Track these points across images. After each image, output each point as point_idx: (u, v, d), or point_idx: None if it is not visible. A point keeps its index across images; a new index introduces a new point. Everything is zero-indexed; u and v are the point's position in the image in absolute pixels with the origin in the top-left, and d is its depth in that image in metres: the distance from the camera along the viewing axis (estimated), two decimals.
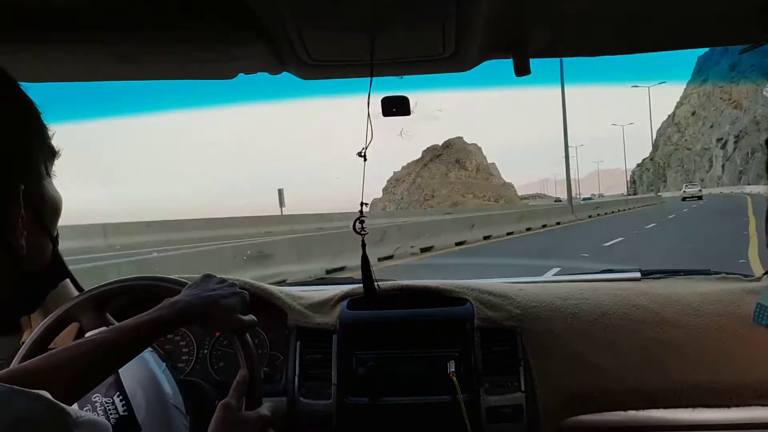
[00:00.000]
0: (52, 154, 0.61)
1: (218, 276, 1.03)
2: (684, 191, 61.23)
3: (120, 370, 0.99)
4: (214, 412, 0.98)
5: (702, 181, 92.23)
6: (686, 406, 1.35)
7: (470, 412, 1.33)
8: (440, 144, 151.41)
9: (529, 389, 1.36)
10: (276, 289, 1.54)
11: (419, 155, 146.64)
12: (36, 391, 0.47)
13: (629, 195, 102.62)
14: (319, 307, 1.52)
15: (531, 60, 1.15)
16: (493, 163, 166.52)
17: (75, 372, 0.84)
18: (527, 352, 1.39)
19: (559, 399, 1.37)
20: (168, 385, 1.07)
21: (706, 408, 1.35)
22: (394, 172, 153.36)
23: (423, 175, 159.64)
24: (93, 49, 1.01)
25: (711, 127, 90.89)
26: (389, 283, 1.58)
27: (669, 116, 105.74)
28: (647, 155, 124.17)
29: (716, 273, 1.72)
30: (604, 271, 1.87)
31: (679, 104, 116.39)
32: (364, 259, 1.33)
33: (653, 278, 1.73)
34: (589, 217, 29.19)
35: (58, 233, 0.67)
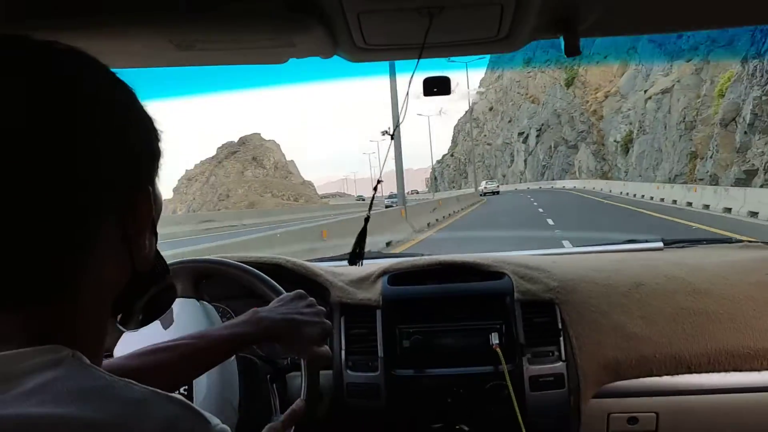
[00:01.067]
0: (160, 155, 0.62)
1: (310, 298, 1.02)
2: (485, 187, 62.10)
3: None
4: (266, 389, 1.07)
5: (504, 176, 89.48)
6: (719, 371, 1.39)
7: (513, 381, 1.38)
8: (236, 140, 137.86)
9: (570, 358, 1.41)
10: (316, 266, 1.58)
11: (214, 152, 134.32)
12: (173, 394, 0.48)
13: (412, 193, 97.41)
14: (360, 283, 1.56)
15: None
16: (291, 161, 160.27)
17: (171, 375, 0.86)
18: (566, 323, 1.43)
19: (598, 367, 1.41)
20: (230, 377, 1.08)
21: (738, 372, 1.39)
22: (186, 170, 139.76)
23: (218, 174, 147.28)
24: (153, 36, 1.02)
25: (510, 121, 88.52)
26: (426, 258, 1.62)
27: (466, 112, 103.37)
28: (446, 152, 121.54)
29: (738, 241, 1.80)
30: (628, 242, 1.91)
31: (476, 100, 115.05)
32: (362, 233, 1.37)
33: (676, 247, 1.81)
34: (429, 225, 18.85)
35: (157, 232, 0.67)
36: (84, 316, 0.53)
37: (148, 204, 0.57)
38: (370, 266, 1.60)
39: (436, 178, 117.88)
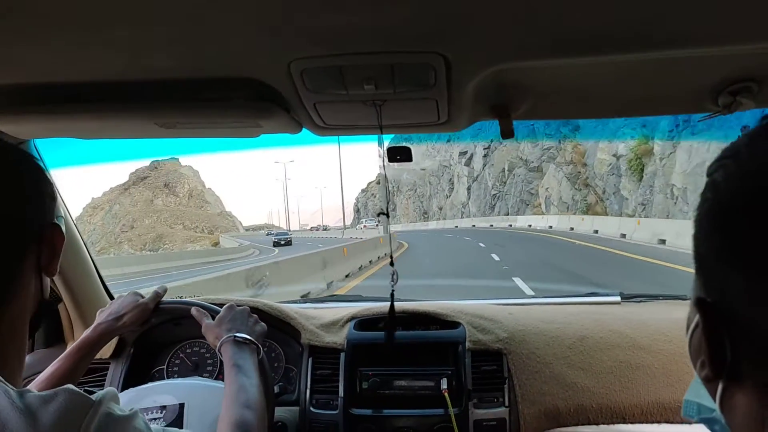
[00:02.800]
0: (56, 197, 0.82)
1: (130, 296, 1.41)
2: (365, 225, 55.65)
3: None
4: None
5: (441, 209, 69.51)
6: (652, 422, 1.49)
7: (459, 424, 1.51)
8: (147, 165, 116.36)
9: (512, 404, 1.52)
10: (291, 310, 1.73)
11: (126, 178, 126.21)
12: (58, 388, 0.65)
13: (314, 229, 77.69)
14: (329, 327, 1.71)
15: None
16: (210, 189, 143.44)
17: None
18: (512, 371, 1.55)
19: (539, 414, 1.51)
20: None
21: (670, 424, 1.48)
22: (93, 198, 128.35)
23: (122, 202, 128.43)
24: (140, 118, 1.24)
25: (448, 141, 68.40)
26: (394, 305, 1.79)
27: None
28: (374, 179, 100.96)
29: None
30: (589, 294, 2.03)
31: None
32: (392, 295, 1.49)
33: (634, 302, 1.93)
34: None
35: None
36: (6, 335, 0.69)
37: (61, 236, 0.77)
38: (341, 310, 1.78)
39: (358, 210, 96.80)
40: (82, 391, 0.65)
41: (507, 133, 1.29)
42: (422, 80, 1.08)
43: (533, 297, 2.04)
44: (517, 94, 1.23)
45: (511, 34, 0.93)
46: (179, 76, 1.09)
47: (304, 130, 1.37)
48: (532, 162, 48.29)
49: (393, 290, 1.45)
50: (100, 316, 1.34)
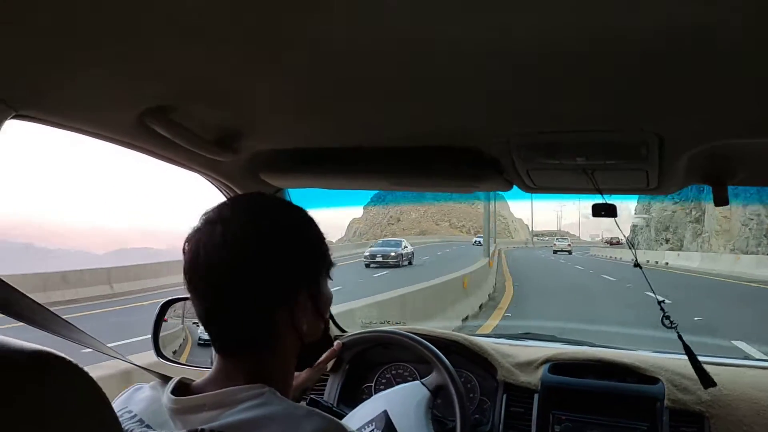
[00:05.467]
0: (331, 265, 0.93)
1: None
2: (555, 244, 47.95)
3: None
4: None
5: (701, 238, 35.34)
6: None
7: None
8: None
9: None
10: (488, 345, 1.83)
11: None
12: (325, 414, 0.79)
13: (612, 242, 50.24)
14: (524, 367, 1.76)
15: None
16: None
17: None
18: None
19: None
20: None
21: None
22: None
23: (395, 192, 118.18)
24: (375, 179, 1.48)
25: None
26: (588, 350, 1.84)
27: None
28: None
29: None
30: None
31: None
32: (687, 349, 1.47)
33: None
34: None
35: (330, 316, 1.42)
36: (278, 365, 0.86)
37: (304, 301, 0.87)
38: (535, 351, 1.83)
39: (635, 228, 54.23)
40: (342, 423, 0.81)
41: (721, 200, 1.26)
42: (634, 155, 1.13)
43: (744, 359, 1.94)
44: (734, 164, 1.22)
45: (730, 114, 0.91)
46: (412, 144, 1.27)
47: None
48: None
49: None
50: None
